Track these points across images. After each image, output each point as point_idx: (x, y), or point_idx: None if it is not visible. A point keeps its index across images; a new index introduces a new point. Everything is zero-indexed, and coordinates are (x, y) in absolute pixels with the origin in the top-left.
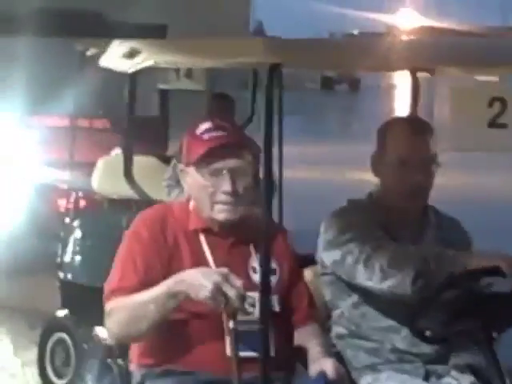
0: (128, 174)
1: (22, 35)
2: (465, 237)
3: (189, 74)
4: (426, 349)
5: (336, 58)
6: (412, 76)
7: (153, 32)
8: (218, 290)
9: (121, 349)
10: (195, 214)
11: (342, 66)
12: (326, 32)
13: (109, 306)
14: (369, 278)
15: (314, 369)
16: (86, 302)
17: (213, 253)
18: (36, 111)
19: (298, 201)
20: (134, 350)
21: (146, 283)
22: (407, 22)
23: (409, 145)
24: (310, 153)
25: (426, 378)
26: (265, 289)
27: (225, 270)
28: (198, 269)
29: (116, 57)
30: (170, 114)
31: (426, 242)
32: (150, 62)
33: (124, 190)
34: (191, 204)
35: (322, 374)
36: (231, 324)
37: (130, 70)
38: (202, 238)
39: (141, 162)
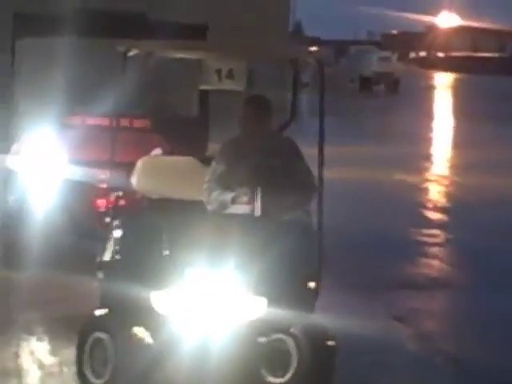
0: None
1: (64, 36)
2: None
3: (230, 74)
4: None
5: None
6: None
7: (194, 32)
8: None
9: None
10: None
11: None
12: (364, 32)
13: None
14: None
15: None
16: (125, 301)
17: None
18: (77, 111)
19: (338, 201)
20: None
21: None
22: (446, 22)
23: None
24: (348, 153)
25: None
26: None
27: None
28: None
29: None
30: (210, 115)
31: None
32: None
33: (164, 190)
34: None
35: None
36: None
37: None
38: None
39: (180, 162)
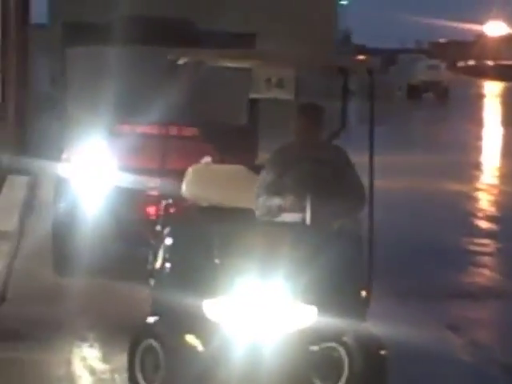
0: None
1: (114, 44)
2: None
3: (280, 83)
4: None
5: None
6: None
7: (242, 40)
8: None
9: None
10: None
11: None
12: (412, 40)
13: None
14: None
15: None
16: (176, 309)
17: None
18: (128, 119)
19: (388, 210)
20: None
21: None
22: (494, 30)
23: None
24: (396, 163)
25: None
26: None
27: None
28: None
29: None
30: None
31: None
32: None
33: (213, 198)
34: None
35: None
36: None
37: None
38: None
39: (230, 170)
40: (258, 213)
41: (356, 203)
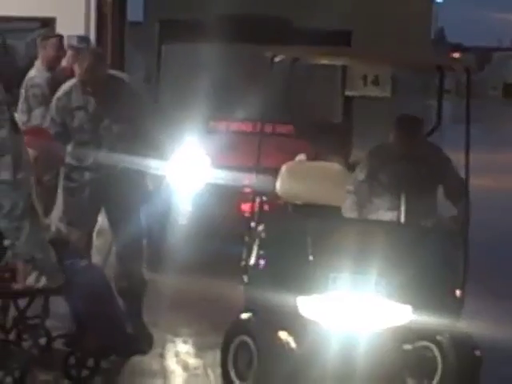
0: None
1: (209, 41)
2: None
3: (376, 80)
4: None
5: None
6: None
7: (338, 38)
8: None
9: None
10: None
11: None
12: (508, 39)
13: None
14: None
15: None
16: (269, 305)
17: None
18: (222, 116)
19: (483, 209)
20: None
21: None
22: None
23: None
24: (491, 161)
25: None
26: None
27: None
28: None
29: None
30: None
31: None
32: None
33: (308, 196)
34: None
35: None
36: None
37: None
38: None
39: (325, 168)
40: (343, 210)
41: (456, 197)
